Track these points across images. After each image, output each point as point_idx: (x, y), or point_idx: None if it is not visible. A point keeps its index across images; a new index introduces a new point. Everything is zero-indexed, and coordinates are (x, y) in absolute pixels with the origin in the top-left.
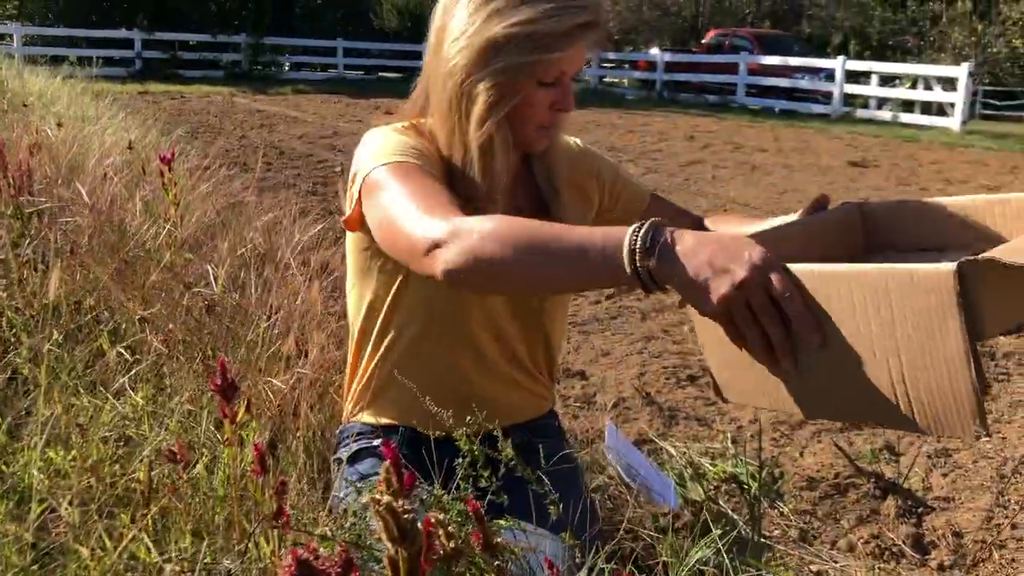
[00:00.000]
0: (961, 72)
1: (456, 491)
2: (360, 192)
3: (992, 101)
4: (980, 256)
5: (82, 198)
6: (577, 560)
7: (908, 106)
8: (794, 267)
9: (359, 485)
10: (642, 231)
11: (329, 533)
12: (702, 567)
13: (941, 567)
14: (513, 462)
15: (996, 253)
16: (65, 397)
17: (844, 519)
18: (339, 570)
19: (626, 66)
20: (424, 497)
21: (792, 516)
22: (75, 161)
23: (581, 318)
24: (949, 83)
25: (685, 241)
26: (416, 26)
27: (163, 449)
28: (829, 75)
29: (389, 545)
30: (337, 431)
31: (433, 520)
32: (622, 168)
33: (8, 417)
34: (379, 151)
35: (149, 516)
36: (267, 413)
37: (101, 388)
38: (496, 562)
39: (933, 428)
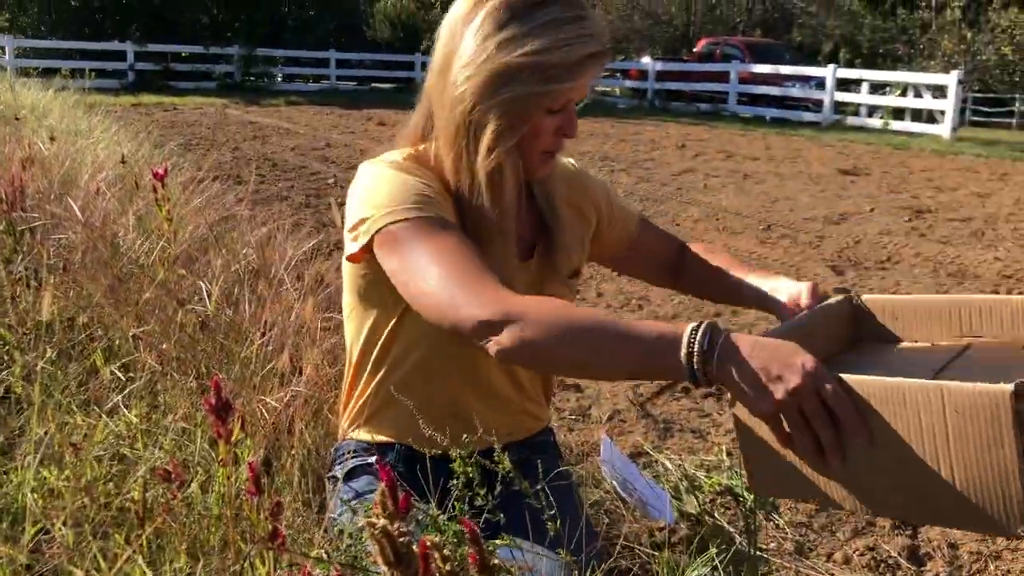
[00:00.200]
0: (951, 80)
1: (452, 510)
2: (372, 241)
3: (982, 108)
4: None
5: (75, 214)
6: None
7: (898, 114)
8: (848, 377)
9: (354, 505)
10: (699, 333)
11: (325, 555)
12: None
13: None
14: (511, 476)
15: None
16: (59, 415)
17: (840, 531)
18: None
19: (618, 75)
20: (420, 517)
21: (788, 528)
22: (68, 176)
23: None
24: (939, 91)
25: (741, 346)
26: (408, 37)
27: (157, 468)
28: (820, 83)
29: (385, 569)
30: (332, 449)
31: (429, 543)
32: (613, 189)
33: (1, 436)
34: (390, 198)
35: (144, 537)
36: (262, 431)
37: (95, 406)
38: None
39: (980, 527)
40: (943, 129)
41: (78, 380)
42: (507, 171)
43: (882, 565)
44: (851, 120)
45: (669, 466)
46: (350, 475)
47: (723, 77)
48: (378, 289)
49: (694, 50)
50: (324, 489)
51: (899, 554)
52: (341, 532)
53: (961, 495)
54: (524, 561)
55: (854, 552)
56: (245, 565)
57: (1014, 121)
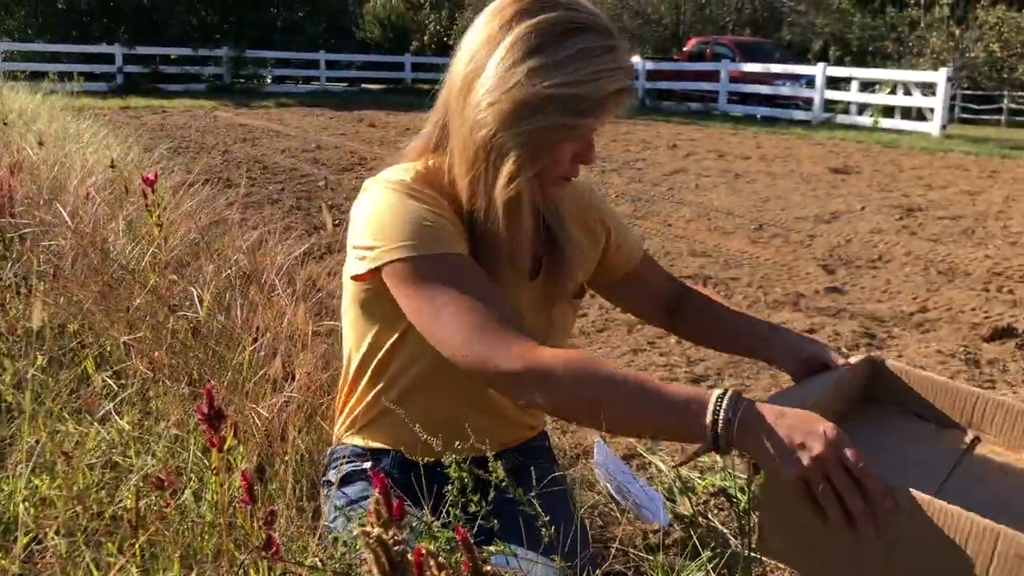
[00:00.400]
0: (940, 77)
1: (446, 516)
2: (381, 271)
3: (971, 105)
4: None
5: (64, 219)
6: None
7: (888, 111)
8: (915, 493)
9: (348, 512)
10: (725, 402)
11: (319, 563)
12: None
13: None
14: (504, 483)
15: None
16: (50, 423)
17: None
18: None
19: None
20: (414, 524)
21: None
22: (57, 181)
23: None
24: (928, 88)
25: (766, 414)
26: (398, 38)
27: (150, 476)
28: (810, 81)
29: None
30: (327, 452)
31: (424, 551)
32: (620, 216)
33: None
34: (398, 231)
35: (137, 545)
36: (254, 438)
37: (86, 414)
38: None
39: None
40: (932, 127)
41: (69, 388)
42: (525, 199)
43: None
44: (841, 118)
45: (663, 468)
46: (345, 480)
47: (713, 76)
48: (380, 303)
49: (684, 49)
50: (318, 496)
51: None
52: (335, 540)
53: None
54: (519, 567)
55: None
56: (239, 574)
57: (1003, 118)
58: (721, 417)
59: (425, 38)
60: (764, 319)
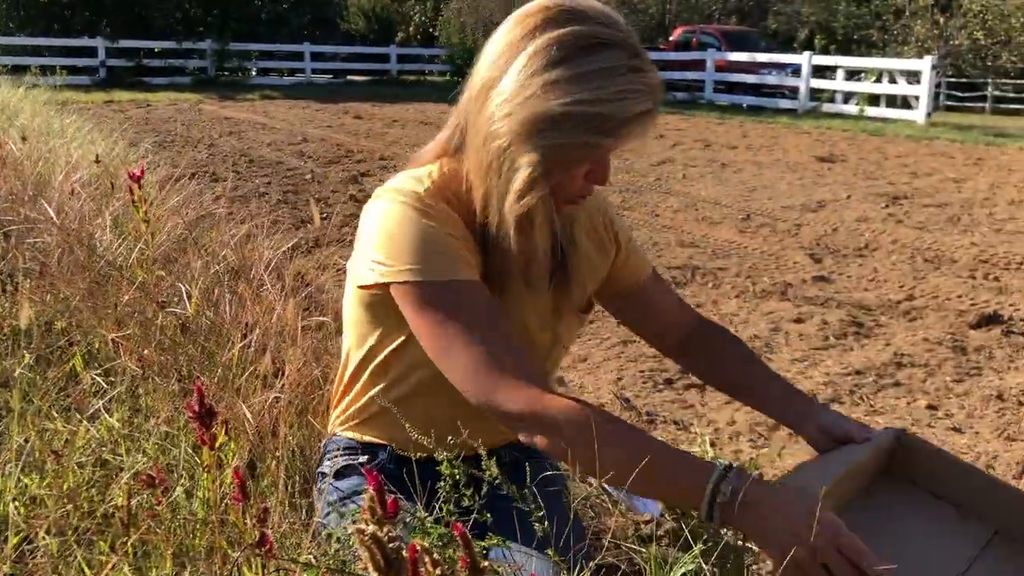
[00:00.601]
0: (925, 65)
1: (440, 511)
2: (390, 288)
3: (955, 93)
4: None
5: (50, 216)
6: None
7: (874, 100)
8: None
9: (341, 508)
10: (723, 482)
11: (313, 560)
12: None
13: None
14: (498, 480)
15: None
16: (39, 422)
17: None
18: None
19: None
20: (408, 520)
21: None
22: (41, 177)
23: None
24: (913, 76)
25: (763, 501)
26: (383, 29)
27: (141, 473)
28: (796, 70)
29: (375, 575)
30: (322, 443)
31: (419, 547)
32: (631, 232)
33: None
34: (408, 252)
35: (129, 544)
36: (245, 435)
37: (76, 412)
38: None
39: None
40: (918, 115)
41: (58, 386)
42: (538, 217)
43: None
44: (827, 107)
45: None
46: (340, 474)
47: (699, 65)
48: (385, 310)
49: (670, 39)
50: (311, 492)
51: None
52: (329, 536)
53: None
54: (513, 561)
55: None
56: (233, 571)
57: (987, 106)
58: (720, 492)
59: (410, 29)
60: (798, 389)
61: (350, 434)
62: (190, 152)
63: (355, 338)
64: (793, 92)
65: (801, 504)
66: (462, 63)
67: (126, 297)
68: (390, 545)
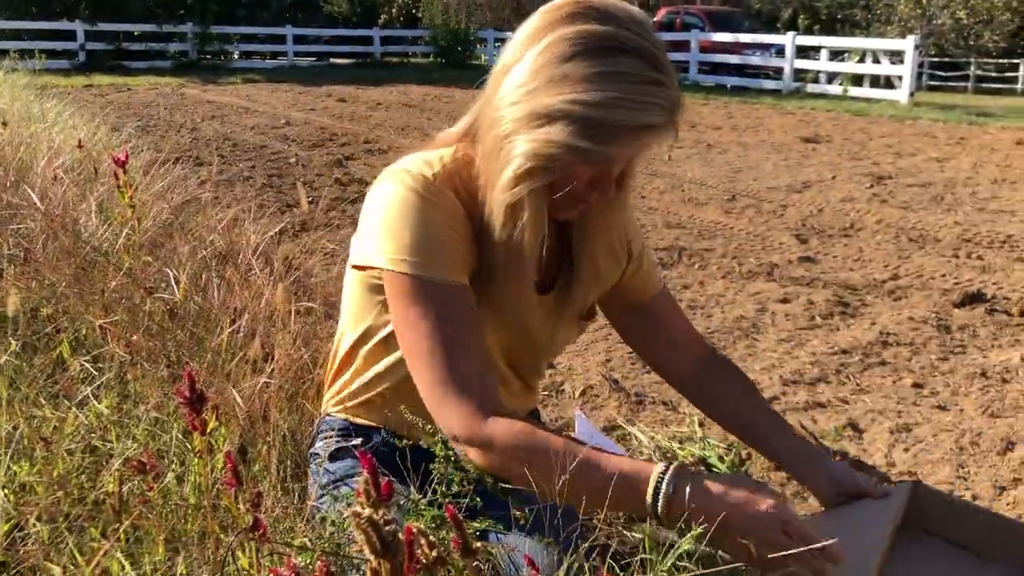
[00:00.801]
0: (908, 45)
1: (432, 494)
2: (380, 270)
3: (938, 72)
4: None
5: (33, 202)
6: (556, 557)
7: (857, 80)
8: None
9: (334, 491)
10: (666, 478)
11: (308, 543)
12: (681, 564)
13: None
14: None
15: None
16: (27, 409)
17: (811, 497)
18: None
19: None
20: (401, 503)
21: None
22: (23, 163)
23: None
24: (896, 56)
25: (709, 491)
26: (366, 12)
27: (132, 459)
28: (780, 51)
29: (372, 558)
30: (315, 423)
31: (415, 530)
32: (646, 243)
33: None
34: (405, 241)
35: (121, 530)
36: (236, 419)
37: (64, 399)
38: (475, 563)
39: None
40: (901, 94)
41: (45, 373)
42: (527, 211)
43: None
44: (811, 87)
45: (643, 439)
46: (333, 456)
47: (684, 46)
48: (381, 291)
49: (654, 20)
50: (303, 476)
51: None
52: (323, 520)
53: None
54: (506, 543)
55: None
56: (226, 556)
57: (969, 85)
58: (662, 492)
59: (393, 11)
60: (803, 438)
61: (344, 416)
62: (173, 136)
63: (351, 318)
64: (777, 73)
65: (744, 498)
66: (445, 44)
67: (113, 283)
68: (386, 528)
